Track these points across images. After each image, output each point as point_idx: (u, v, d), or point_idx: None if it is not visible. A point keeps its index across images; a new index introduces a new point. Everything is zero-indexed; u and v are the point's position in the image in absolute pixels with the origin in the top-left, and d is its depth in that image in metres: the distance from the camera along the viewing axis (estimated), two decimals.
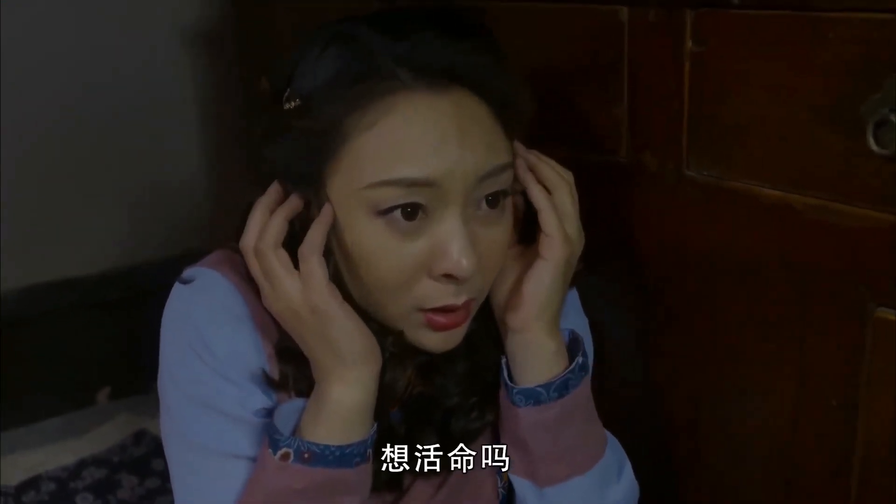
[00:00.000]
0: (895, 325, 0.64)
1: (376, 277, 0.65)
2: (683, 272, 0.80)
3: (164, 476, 1.51)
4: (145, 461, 1.56)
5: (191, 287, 0.70)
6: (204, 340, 0.68)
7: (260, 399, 0.69)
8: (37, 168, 1.66)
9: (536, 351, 0.70)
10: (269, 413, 0.69)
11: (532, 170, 0.69)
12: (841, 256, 0.67)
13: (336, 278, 0.66)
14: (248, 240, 0.66)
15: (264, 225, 0.66)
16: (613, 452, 0.76)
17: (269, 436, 0.66)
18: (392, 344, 0.69)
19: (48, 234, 1.70)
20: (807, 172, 0.68)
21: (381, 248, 0.63)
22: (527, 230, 0.72)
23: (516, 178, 0.69)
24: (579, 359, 0.71)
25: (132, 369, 1.73)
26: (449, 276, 0.63)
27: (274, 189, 0.68)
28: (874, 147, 0.62)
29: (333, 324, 0.64)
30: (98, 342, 1.75)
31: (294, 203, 0.67)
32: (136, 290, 1.74)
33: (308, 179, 0.66)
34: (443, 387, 0.73)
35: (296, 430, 0.67)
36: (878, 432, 0.68)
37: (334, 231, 0.66)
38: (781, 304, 0.73)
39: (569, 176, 0.70)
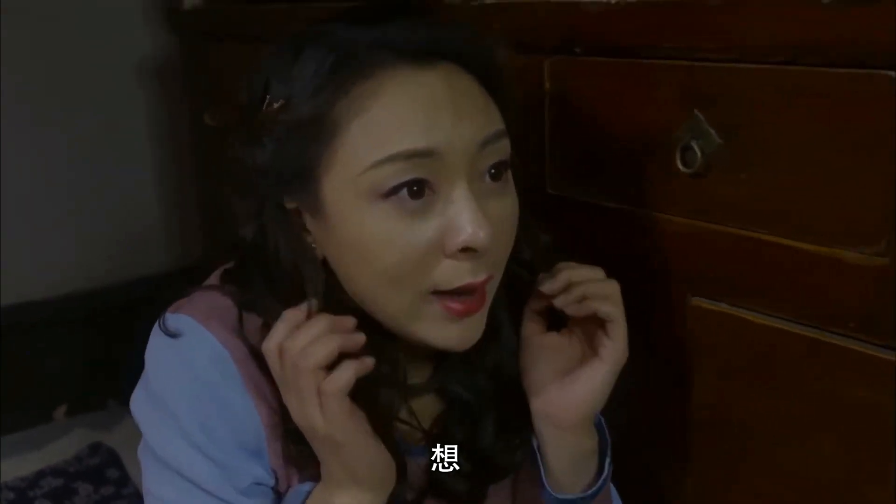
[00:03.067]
0: (707, 311, 0.78)
1: (388, 266, 0.61)
2: None
3: (118, 484, 1.58)
4: (100, 470, 1.61)
5: (178, 349, 0.65)
6: (194, 418, 0.64)
7: (251, 474, 0.66)
8: None
9: (574, 452, 0.70)
10: (261, 488, 0.67)
11: (587, 282, 0.69)
12: (668, 257, 0.81)
13: (335, 285, 0.64)
14: (295, 345, 0.59)
15: (316, 339, 0.59)
16: None
17: None
18: (406, 371, 0.68)
19: (8, 258, 1.72)
20: (639, 189, 0.82)
21: (391, 233, 0.60)
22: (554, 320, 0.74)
23: (536, 299, 0.70)
24: (607, 462, 0.72)
25: (89, 387, 1.79)
26: (466, 251, 0.61)
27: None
28: (681, 167, 0.76)
29: (351, 453, 0.62)
30: (56, 361, 1.79)
31: (360, 342, 0.60)
32: (92, 312, 1.78)
33: (300, 180, 0.62)
34: (475, 426, 0.72)
35: None
36: (701, 400, 0.82)
37: (333, 233, 0.63)
38: (629, 299, 0.86)
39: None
